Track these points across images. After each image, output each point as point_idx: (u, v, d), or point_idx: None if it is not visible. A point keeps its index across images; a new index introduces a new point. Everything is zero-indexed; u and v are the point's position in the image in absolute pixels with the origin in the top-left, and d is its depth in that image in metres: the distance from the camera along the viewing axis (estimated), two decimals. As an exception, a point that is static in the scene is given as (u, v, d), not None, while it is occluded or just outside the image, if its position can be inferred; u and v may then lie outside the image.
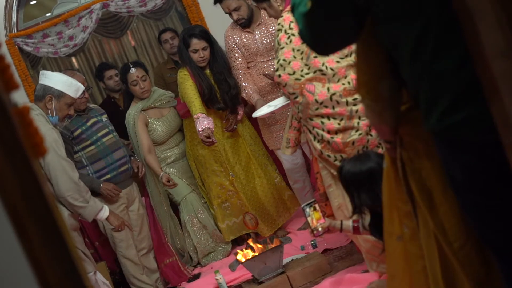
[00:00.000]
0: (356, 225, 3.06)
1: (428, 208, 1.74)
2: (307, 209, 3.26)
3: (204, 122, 4.24)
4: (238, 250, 4.02)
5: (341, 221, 3.17)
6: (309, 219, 3.25)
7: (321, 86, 3.26)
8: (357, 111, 3.24)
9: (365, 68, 1.77)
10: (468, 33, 1.36)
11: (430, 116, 1.55)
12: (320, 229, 3.22)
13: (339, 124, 3.26)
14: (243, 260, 3.86)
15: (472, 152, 1.52)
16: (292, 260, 4.00)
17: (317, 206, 3.28)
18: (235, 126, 4.78)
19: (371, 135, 3.25)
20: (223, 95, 4.62)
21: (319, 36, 1.69)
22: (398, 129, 1.81)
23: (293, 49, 3.30)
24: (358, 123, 3.25)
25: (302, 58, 3.29)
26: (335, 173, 3.25)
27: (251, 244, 3.96)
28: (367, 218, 2.91)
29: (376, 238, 2.94)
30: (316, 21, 1.65)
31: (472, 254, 1.70)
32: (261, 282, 3.77)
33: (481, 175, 1.53)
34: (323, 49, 1.81)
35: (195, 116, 4.33)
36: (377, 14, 1.60)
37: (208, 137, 4.20)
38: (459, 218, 1.68)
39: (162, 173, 4.59)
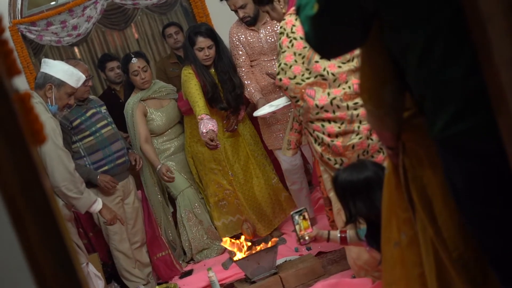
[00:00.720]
0: (343, 235, 3.07)
1: (428, 216, 1.73)
2: (296, 217, 3.26)
3: (208, 125, 4.22)
4: (229, 239, 4.03)
5: (329, 231, 3.18)
6: (297, 227, 3.25)
7: (322, 91, 3.27)
8: (357, 115, 3.25)
9: (369, 73, 1.76)
10: (477, 41, 1.33)
11: (435, 123, 1.53)
12: (306, 238, 3.22)
13: (339, 127, 3.26)
14: (235, 258, 3.86)
15: (476, 160, 1.50)
16: (285, 261, 4.00)
17: (306, 214, 3.28)
18: (235, 127, 4.77)
19: (372, 139, 3.26)
20: (227, 95, 4.61)
21: (325, 40, 1.68)
22: (400, 136, 1.80)
23: (295, 53, 3.31)
24: (359, 127, 3.26)
25: (303, 63, 3.30)
26: None
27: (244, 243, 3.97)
28: (362, 228, 2.90)
29: (372, 248, 2.92)
30: (322, 25, 1.63)
31: (470, 262, 1.68)
32: (254, 282, 3.76)
33: (483, 184, 1.52)
34: (329, 52, 1.79)
35: (199, 117, 4.31)
36: (385, 19, 1.59)
37: (212, 140, 4.18)
38: (459, 226, 1.67)
39: (160, 165, 4.58)
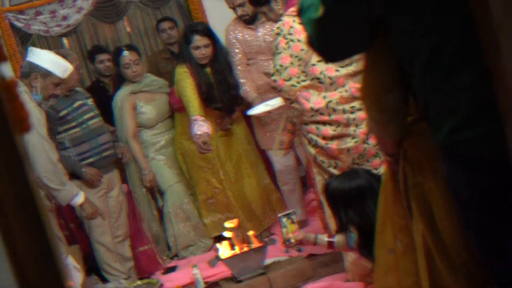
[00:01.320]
0: (330, 240, 3.06)
1: (427, 223, 1.72)
2: (284, 220, 3.26)
3: (202, 127, 4.21)
4: (217, 245, 3.99)
5: (316, 235, 3.18)
6: (284, 230, 3.24)
7: (318, 94, 3.25)
8: (354, 119, 3.22)
9: (373, 78, 1.75)
10: (488, 49, 1.33)
11: (441, 129, 1.52)
12: (292, 241, 3.21)
13: (335, 130, 3.24)
14: (223, 256, 3.82)
15: (481, 170, 1.49)
16: (274, 262, 3.97)
17: (294, 217, 3.28)
18: (229, 126, 4.76)
19: (368, 143, 3.23)
20: (222, 95, 4.60)
21: (331, 44, 1.66)
22: (402, 142, 1.78)
23: (291, 55, 3.28)
24: (355, 130, 3.23)
25: (300, 65, 3.27)
26: None
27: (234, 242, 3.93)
28: (352, 235, 2.90)
29: (363, 256, 2.93)
30: (328, 29, 1.61)
31: (474, 269, 1.67)
32: (240, 281, 3.73)
33: (488, 194, 1.50)
34: (333, 56, 1.78)
35: (193, 118, 4.30)
36: (392, 24, 1.57)
37: (204, 143, 4.17)
38: (461, 234, 1.65)
39: (148, 171, 4.64)
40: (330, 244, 3.06)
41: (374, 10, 1.56)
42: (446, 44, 1.46)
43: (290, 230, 3.23)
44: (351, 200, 2.74)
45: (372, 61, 1.73)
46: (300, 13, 1.70)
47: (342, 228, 2.82)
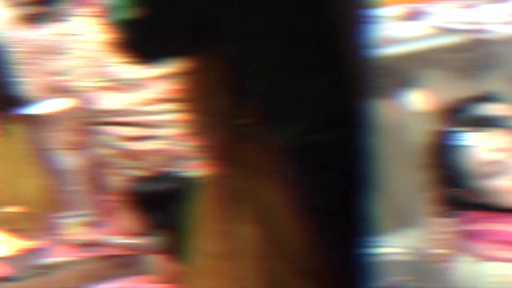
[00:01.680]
0: (129, 241, 3.03)
1: (264, 228, 1.65)
2: (67, 220, 3.20)
3: None
4: None
5: (113, 236, 3.14)
6: (67, 231, 3.17)
7: (115, 94, 3.18)
8: (163, 120, 3.12)
9: (200, 81, 1.67)
10: (341, 53, 1.38)
11: (288, 133, 1.50)
12: (80, 242, 3.14)
13: (136, 132, 3.17)
14: None
15: (330, 174, 1.49)
16: (59, 261, 3.52)
17: (82, 218, 3.22)
18: (3, 125, 4.27)
19: (183, 145, 3.13)
20: None
21: (146, 47, 1.57)
22: (234, 145, 1.70)
23: (83, 56, 3.23)
24: (163, 132, 3.14)
25: (93, 66, 3.21)
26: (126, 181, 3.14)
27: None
28: (160, 239, 2.84)
29: (169, 259, 2.82)
30: (148, 30, 1.52)
31: (324, 274, 1.63)
32: (15, 281, 3.30)
33: (336, 198, 1.52)
34: (148, 59, 1.70)
35: None
36: (227, 28, 1.51)
37: None
38: (307, 239, 1.61)
39: None
40: (129, 247, 3.01)
41: (202, 13, 1.49)
42: (296, 46, 1.42)
43: (76, 231, 3.14)
44: (158, 203, 2.71)
45: (199, 63, 1.64)
46: (108, 13, 1.59)
47: (147, 230, 2.78)
